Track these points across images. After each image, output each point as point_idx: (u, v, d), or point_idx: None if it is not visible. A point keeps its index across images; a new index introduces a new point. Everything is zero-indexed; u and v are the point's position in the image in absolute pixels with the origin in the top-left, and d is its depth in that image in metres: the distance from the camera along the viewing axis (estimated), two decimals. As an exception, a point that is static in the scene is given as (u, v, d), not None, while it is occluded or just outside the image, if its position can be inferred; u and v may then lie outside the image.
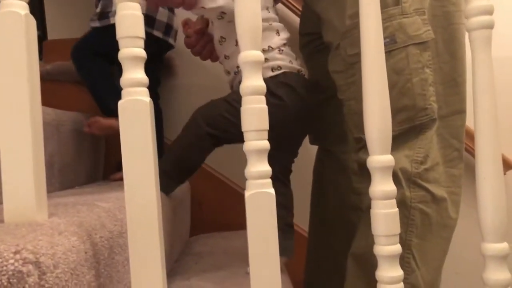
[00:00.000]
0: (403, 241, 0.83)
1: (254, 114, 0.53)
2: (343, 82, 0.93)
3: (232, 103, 0.93)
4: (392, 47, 0.83)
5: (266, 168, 0.53)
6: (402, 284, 0.55)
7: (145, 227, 0.50)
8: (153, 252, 0.50)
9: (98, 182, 1.30)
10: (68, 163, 1.13)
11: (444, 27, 0.87)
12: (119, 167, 1.27)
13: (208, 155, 0.97)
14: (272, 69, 0.96)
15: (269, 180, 0.54)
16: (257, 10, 0.54)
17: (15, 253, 0.39)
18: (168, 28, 1.34)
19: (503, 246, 0.54)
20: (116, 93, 1.21)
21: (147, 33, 0.53)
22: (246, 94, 0.54)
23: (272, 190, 0.53)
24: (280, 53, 0.96)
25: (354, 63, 0.87)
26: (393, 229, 0.54)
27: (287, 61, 0.97)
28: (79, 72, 1.27)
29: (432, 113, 0.85)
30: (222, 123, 0.93)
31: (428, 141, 0.86)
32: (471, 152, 1.66)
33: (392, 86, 0.87)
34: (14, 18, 0.51)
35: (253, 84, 0.53)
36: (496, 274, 0.54)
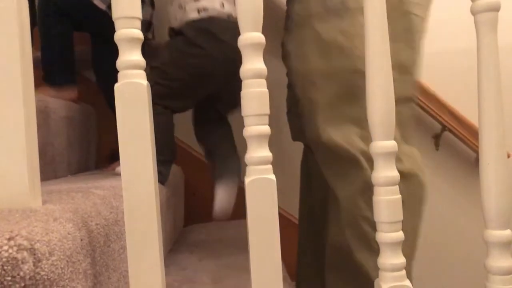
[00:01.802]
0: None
1: (254, 98, 0.52)
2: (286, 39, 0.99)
3: (161, 68, 0.94)
4: (343, 12, 0.89)
5: (266, 153, 0.52)
6: (404, 271, 0.54)
7: (142, 214, 0.49)
8: (150, 240, 0.49)
9: (91, 171, 1.28)
10: (60, 151, 1.11)
11: (400, 15, 0.90)
12: (112, 156, 1.26)
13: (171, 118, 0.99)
14: (198, 11, 0.94)
15: (270, 166, 0.52)
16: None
17: (9, 239, 0.38)
18: (149, 25, 1.32)
19: (507, 233, 0.53)
20: (66, 63, 1.16)
21: None
22: (246, 78, 0.52)
23: (273, 176, 0.52)
24: None
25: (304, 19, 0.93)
26: (396, 216, 0.53)
27: (217, 4, 0.95)
28: (40, 28, 1.22)
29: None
30: (162, 91, 0.93)
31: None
32: (468, 143, 1.67)
33: (337, 46, 0.90)
34: (6, 3, 0.49)
35: (254, 67, 0.52)
36: (499, 261, 0.53)
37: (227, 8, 0.96)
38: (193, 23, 0.94)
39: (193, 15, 0.95)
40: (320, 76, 0.93)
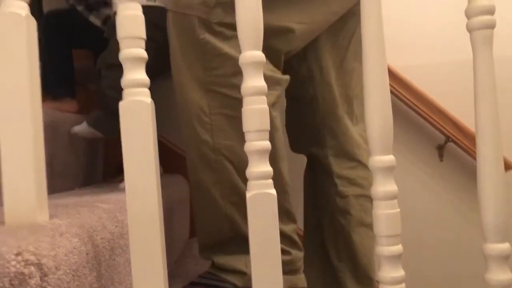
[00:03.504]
0: (213, 147, 0.87)
1: (255, 115, 0.53)
2: None
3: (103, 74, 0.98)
4: None
5: (267, 168, 0.53)
6: (403, 284, 0.55)
7: (146, 228, 0.50)
8: (154, 254, 0.50)
9: (97, 184, 1.29)
10: (66, 164, 1.13)
11: None
12: (118, 169, 1.28)
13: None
14: None
15: (270, 181, 0.54)
16: (258, 11, 0.54)
17: (17, 254, 0.39)
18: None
19: (505, 246, 0.54)
20: (65, 77, 1.20)
21: None
22: (247, 95, 0.54)
23: (273, 191, 0.53)
24: None
25: None
26: (394, 229, 0.54)
27: None
28: (44, 40, 1.26)
29: (213, 16, 0.84)
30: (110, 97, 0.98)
31: (208, 43, 0.86)
32: (472, 154, 1.67)
33: None
34: (15, 20, 0.51)
35: (254, 85, 0.53)
36: (498, 274, 0.54)
37: None
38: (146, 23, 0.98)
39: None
40: None
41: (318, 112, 1.08)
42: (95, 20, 1.29)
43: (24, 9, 0.52)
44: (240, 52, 0.84)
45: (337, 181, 1.07)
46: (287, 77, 0.93)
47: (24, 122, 0.51)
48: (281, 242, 0.94)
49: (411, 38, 1.71)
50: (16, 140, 0.50)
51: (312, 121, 1.09)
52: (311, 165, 1.17)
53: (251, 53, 0.53)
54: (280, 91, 0.92)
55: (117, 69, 1.00)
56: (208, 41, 0.84)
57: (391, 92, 1.61)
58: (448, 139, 1.65)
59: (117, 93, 0.99)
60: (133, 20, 0.51)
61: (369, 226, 1.11)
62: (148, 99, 0.51)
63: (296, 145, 1.15)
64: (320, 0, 0.93)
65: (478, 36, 0.55)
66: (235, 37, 0.84)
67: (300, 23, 0.91)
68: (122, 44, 0.51)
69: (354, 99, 1.10)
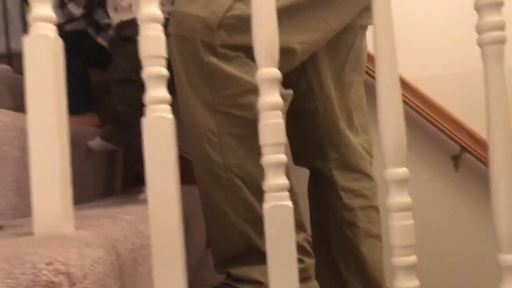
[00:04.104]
0: (224, 166, 0.88)
1: (271, 129, 0.55)
2: None
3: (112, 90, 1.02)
4: None
5: (283, 181, 0.55)
6: (418, 294, 0.56)
7: (168, 239, 0.52)
8: (175, 264, 0.52)
9: (116, 195, 1.32)
10: (86, 176, 1.16)
11: None
12: (137, 180, 1.31)
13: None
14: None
15: (287, 193, 0.55)
16: (274, 29, 0.56)
17: (48, 264, 0.41)
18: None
19: (519, 257, 0.55)
20: (84, 94, 1.24)
21: None
22: (264, 110, 0.56)
23: (289, 203, 0.55)
24: None
25: None
26: (408, 241, 0.55)
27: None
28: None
29: (216, 40, 0.85)
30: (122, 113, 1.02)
31: (212, 65, 0.86)
32: (488, 164, 1.66)
33: None
34: (44, 41, 0.54)
35: (270, 100, 0.55)
36: (512, 285, 0.55)
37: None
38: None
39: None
40: None
41: (319, 126, 1.10)
42: (101, 41, 1.34)
43: (52, 31, 0.55)
44: (244, 71, 0.86)
45: (342, 194, 1.08)
46: (290, 91, 0.94)
47: (51, 138, 0.53)
48: None
49: (424, 49, 1.72)
50: (45, 156, 0.53)
51: (314, 135, 1.10)
52: (314, 178, 1.18)
53: (267, 69, 0.55)
54: (285, 106, 0.94)
55: (124, 84, 1.04)
56: (213, 64, 0.85)
57: (406, 103, 1.62)
58: (463, 149, 1.65)
59: (128, 107, 1.03)
60: (154, 40, 0.54)
61: (377, 237, 1.11)
62: (170, 115, 0.53)
63: (298, 159, 1.15)
64: (320, 19, 0.95)
65: (489, 52, 0.56)
66: (238, 58, 0.86)
67: (301, 43, 0.93)
68: (144, 62, 0.54)
69: (353, 111, 1.11)
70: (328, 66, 1.07)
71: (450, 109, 1.65)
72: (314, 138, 1.11)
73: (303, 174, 1.18)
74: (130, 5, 1.03)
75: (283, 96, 0.93)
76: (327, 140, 1.10)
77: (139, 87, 0.98)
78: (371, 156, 1.15)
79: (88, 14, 1.38)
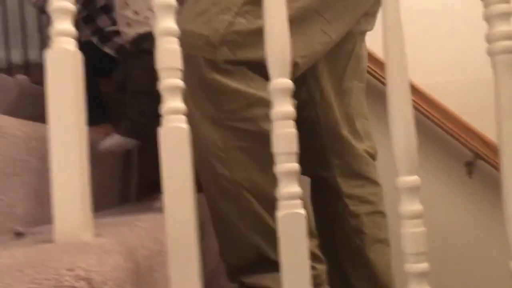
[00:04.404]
0: (232, 180, 0.87)
1: (284, 138, 0.56)
2: None
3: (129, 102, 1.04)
4: None
5: (296, 189, 0.56)
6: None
7: (184, 247, 0.53)
8: (191, 270, 0.54)
9: (131, 202, 1.34)
10: (103, 183, 1.18)
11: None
12: (152, 187, 1.33)
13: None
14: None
15: (299, 201, 0.56)
16: (286, 40, 0.57)
17: (70, 270, 0.43)
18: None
19: (531, 264, 0.55)
20: (96, 105, 1.25)
21: None
22: (277, 120, 0.57)
23: (302, 211, 0.56)
24: None
25: None
26: (420, 248, 0.56)
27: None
28: None
29: (219, 56, 0.85)
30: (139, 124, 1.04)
31: (214, 81, 0.86)
32: (499, 168, 1.65)
33: (204, 12, 0.88)
34: (64, 54, 0.56)
35: (283, 110, 0.57)
36: (524, 292, 0.55)
37: None
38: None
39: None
40: None
41: (321, 134, 1.10)
42: (109, 50, 1.36)
43: (72, 45, 0.57)
44: (247, 85, 0.87)
45: (347, 201, 1.08)
46: (294, 102, 0.95)
47: (71, 149, 0.55)
48: None
49: (436, 56, 1.72)
50: (65, 166, 0.55)
51: (316, 143, 1.10)
52: (317, 186, 1.17)
53: (280, 80, 0.57)
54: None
55: (142, 96, 1.06)
56: (215, 80, 0.86)
57: (419, 110, 1.62)
58: (476, 155, 1.64)
59: (146, 119, 1.04)
60: (171, 53, 0.55)
61: (384, 241, 1.11)
62: (185, 125, 0.55)
63: (300, 168, 1.16)
64: (321, 32, 0.95)
65: (499, 61, 0.57)
66: (241, 72, 0.87)
67: (303, 57, 0.93)
68: (161, 74, 0.56)
69: (355, 118, 1.12)
70: (328, 74, 1.08)
71: (463, 116, 1.64)
72: (316, 146, 1.11)
73: (304, 182, 1.19)
74: (146, 18, 1.06)
75: None
76: (329, 147, 1.10)
77: (157, 98, 1.01)
78: (375, 160, 1.15)
79: (91, 20, 1.40)
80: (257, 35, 0.71)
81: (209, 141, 0.87)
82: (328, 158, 1.10)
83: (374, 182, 1.11)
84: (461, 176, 1.71)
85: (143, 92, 1.04)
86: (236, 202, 0.88)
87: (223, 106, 0.87)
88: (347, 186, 1.09)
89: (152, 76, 1.03)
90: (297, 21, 0.90)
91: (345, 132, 1.10)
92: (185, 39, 0.90)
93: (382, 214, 1.11)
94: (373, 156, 1.14)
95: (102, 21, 1.41)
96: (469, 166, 1.69)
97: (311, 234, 0.94)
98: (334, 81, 1.09)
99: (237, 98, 0.86)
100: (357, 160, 1.10)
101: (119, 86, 1.12)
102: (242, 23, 0.86)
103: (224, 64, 0.86)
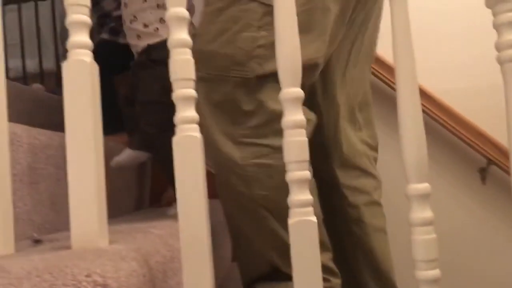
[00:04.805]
0: (250, 197, 0.87)
1: (296, 147, 0.57)
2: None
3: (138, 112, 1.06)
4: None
5: (307, 197, 0.57)
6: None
7: (197, 253, 0.54)
8: (204, 276, 0.55)
9: (144, 209, 1.36)
10: (117, 190, 1.20)
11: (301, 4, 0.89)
12: (164, 195, 1.34)
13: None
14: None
15: (311, 208, 0.57)
16: (296, 49, 0.58)
17: (87, 276, 0.44)
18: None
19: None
20: (111, 114, 1.26)
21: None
22: (287, 128, 0.58)
23: (314, 218, 0.56)
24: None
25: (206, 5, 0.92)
26: (431, 255, 0.56)
27: None
28: None
29: (250, 73, 0.85)
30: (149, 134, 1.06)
31: (241, 99, 0.86)
32: (508, 171, 1.64)
33: (223, 31, 0.88)
34: (81, 66, 0.57)
35: (294, 118, 0.58)
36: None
37: None
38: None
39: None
40: None
41: (322, 126, 1.08)
42: (124, 40, 1.36)
43: (88, 56, 0.58)
44: (271, 98, 0.87)
45: (346, 192, 1.08)
46: (313, 116, 0.95)
47: (88, 158, 0.56)
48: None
49: (448, 62, 1.72)
50: (82, 174, 0.56)
51: (318, 136, 1.10)
52: (316, 179, 1.18)
53: (291, 89, 0.58)
54: (308, 131, 0.94)
55: (151, 106, 1.06)
56: (239, 98, 0.86)
57: (431, 116, 1.62)
58: (489, 161, 1.63)
59: (155, 129, 1.05)
60: (184, 64, 0.57)
61: (383, 230, 1.11)
62: (198, 134, 0.56)
63: None
64: (338, 32, 0.95)
65: (509, 69, 0.57)
66: (267, 84, 0.85)
67: (322, 56, 0.93)
68: (175, 85, 0.57)
69: (356, 106, 1.11)
70: (333, 66, 1.07)
71: (476, 122, 1.64)
72: (318, 139, 1.10)
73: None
74: (156, 29, 1.07)
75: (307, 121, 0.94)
76: (329, 139, 1.10)
77: (168, 108, 1.02)
78: (376, 150, 1.15)
79: (96, 4, 1.37)
80: None
81: (228, 158, 0.88)
82: (328, 150, 1.10)
83: (368, 173, 1.11)
84: (475, 182, 1.70)
85: (152, 102, 1.05)
86: (253, 219, 0.89)
87: (241, 124, 0.88)
88: (345, 178, 1.09)
89: (161, 85, 1.05)
90: (309, 23, 0.91)
91: (344, 122, 1.09)
92: (209, 60, 0.88)
93: (377, 203, 1.12)
94: (372, 146, 1.14)
95: (107, 4, 1.39)
96: (483, 172, 1.68)
97: (325, 247, 0.95)
98: (338, 72, 1.07)
99: (260, 114, 0.87)
100: (353, 152, 1.09)
101: (128, 100, 1.13)
102: (265, 36, 0.86)
103: (254, 80, 0.86)
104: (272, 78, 0.86)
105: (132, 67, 1.14)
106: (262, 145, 0.87)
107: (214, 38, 0.89)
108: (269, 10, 0.86)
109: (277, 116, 0.86)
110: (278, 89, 0.86)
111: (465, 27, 1.71)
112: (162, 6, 1.08)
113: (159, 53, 1.05)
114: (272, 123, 0.86)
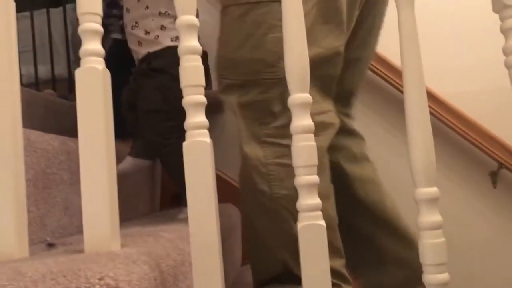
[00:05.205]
0: (271, 196, 0.89)
1: (304, 152, 0.58)
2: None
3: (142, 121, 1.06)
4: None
5: (316, 201, 0.58)
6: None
7: (207, 257, 0.55)
8: (215, 280, 0.55)
9: (155, 213, 1.37)
10: (129, 194, 1.21)
11: None
12: (177, 200, 1.35)
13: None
14: (172, 39, 1.05)
15: (319, 213, 0.58)
16: (304, 55, 0.59)
17: (100, 279, 0.45)
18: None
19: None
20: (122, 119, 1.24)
21: None
22: (296, 133, 0.59)
23: (322, 222, 0.57)
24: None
25: (225, 7, 0.92)
26: (440, 259, 0.56)
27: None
28: None
29: (281, 73, 0.85)
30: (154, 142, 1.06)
31: (276, 99, 0.88)
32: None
33: (248, 36, 0.88)
34: (93, 73, 0.59)
35: (302, 123, 0.58)
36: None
37: None
38: (168, 56, 1.05)
39: (167, 42, 1.08)
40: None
41: None
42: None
43: (101, 64, 0.60)
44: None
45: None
46: (337, 121, 0.96)
47: (101, 163, 0.58)
48: (333, 277, 0.95)
49: (457, 65, 1.71)
50: (94, 179, 0.57)
51: None
52: None
53: (299, 95, 0.59)
54: (332, 134, 0.95)
55: (154, 115, 1.07)
56: (267, 99, 0.88)
57: (441, 120, 1.62)
58: (500, 165, 1.62)
59: (160, 137, 1.06)
60: (194, 70, 0.58)
61: (377, 182, 1.12)
62: (208, 139, 0.57)
63: None
64: (350, 21, 0.96)
65: (517, 72, 0.57)
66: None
67: (343, 44, 0.95)
68: (185, 91, 0.58)
69: (353, 92, 1.12)
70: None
71: (486, 125, 1.63)
72: None
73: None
74: (157, 36, 1.08)
75: (330, 126, 0.94)
76: None
77: (170, 116, 1.03)
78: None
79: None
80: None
81: (253, 157, 0.90)
82: None
83: (345, 131, 1.11)
84: (486, 186, 1.69)
85: (154, 111, 1.06)
86: (271, 218, 0.90)
87: (270, 124, 0.89)
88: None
89: (164, 94, 1.06)
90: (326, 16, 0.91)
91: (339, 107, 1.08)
92: (239, 66, 0.90)
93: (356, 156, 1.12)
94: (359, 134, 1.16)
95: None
96: (494, 176, 1.67)
97: (339, 254, 0.95)
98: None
99: (286, 115, 0.87)
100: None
101: (130, 105, 1.14)
102: None
103: (285, 79, 0.88)
104: None
105: (134, 73, 1.15)
106: (284, 146, 0.88)
107: (240, 44, 0.90)
108: None
109: None
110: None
111: (475, 29, 1.71)
112: (164, 14, 1.08)
113: (159, 62, 1.06)
114: None
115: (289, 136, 0.89)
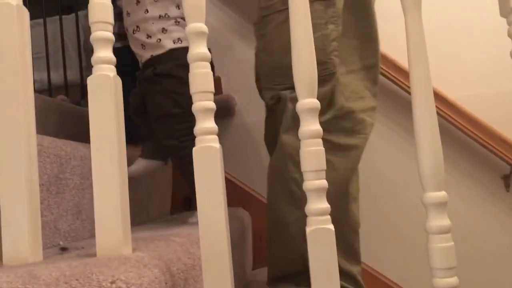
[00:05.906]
0: (301, 184, 0.89)
1: (312, 156, 0.58)
2: (257, 33, 1.00)
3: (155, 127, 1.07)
4: None
5: (324, 205, 0.58)
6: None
7: (217, 261, 0.56)
8: (225, 284, 0.56)
9: (166, 217, 1.38)
10: (140, 198, 1.23)
11: None
12: (186, 203, 1.36)
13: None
14: (174, 41, 1.05)
15: (328, 217, 0.58)
16: (312, 60, 0.60)
17: (112, 283, 0.46)
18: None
19: None
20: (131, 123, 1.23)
21: None
22: (304, 138, 0.59)
23: (331, 226, 0.57)
24: (177, 24, 1.06)
25: (265, 16, 0.94)
26: (449, 263, 0.56)
27: (184, 33, 1.05)
28: None
29: (332, 67, 0.88)
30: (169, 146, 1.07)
31: (327, 94, 0.90)
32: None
33: None
34: (105, 80, 0.60)
35: (310, 128, 0.59)
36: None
37: None
38: (171, 60, 1.07)
39: (170, 44, 1.08)
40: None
41: None
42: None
43: (112, 71, 0.61)
44: (339, 94, 0.90)
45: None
46: (372, 122, 0.98)
47: (113, 168, 0.59)
48: (347, 281, 0.95)
49: (468, 68, 1.70)
50: (107, 185, 0.58)
51: None
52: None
53: (307, 100, 0.59)
54: (365, 138, 0.96)
55: (167, 120, 1.08)
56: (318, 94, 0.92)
57: (452, 123, 1.61)
58: (513, 169, 1.61)
59: (176, 140, 1.07)
60: (203, 77, 0.59)
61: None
62: (217, 145, 0.58)
63: None
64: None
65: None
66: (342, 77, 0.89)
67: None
68: (194, 97, 0.59)
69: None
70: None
71: (498, 128, 1.62)
72: None
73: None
74: (159, 40, 1.09)
75: (367, 126, 0.93)
76: None
77: (182, 119, 1.03)
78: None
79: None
80: None
81: (291, 146, 0.92)
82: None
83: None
84: (499, 189, 1.68)
85: (167, 115, 1.07)
86: (300, 206, 0.90)
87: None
88: None
89: (172, 98, 1.07)
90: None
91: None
92: (290, 70, 0.94)
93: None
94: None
95: None
96: (506, 179, 1.66)
97: (357, 259, 0.95)
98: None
99: (330, 110, 0.90)
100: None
101: (136, 109, 1.15)
102: (334, 29, 0.90)
103: (336, 73, 0.91)
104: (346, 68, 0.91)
105: (139, 79, 1.15)
106: (324, 140, 0.89)
107: (287, 51, 0.92)
108: (330, 3, 0.90)
109: (345, 113, 0.89)
110: (351, 84, 0.89)
111: (489, 32, 1.70)
112: (164, 16, 1.09)
113: (163, 67, 1.07)
114: (339, 120, 0.90)
115: (331, 131, 0.90)
